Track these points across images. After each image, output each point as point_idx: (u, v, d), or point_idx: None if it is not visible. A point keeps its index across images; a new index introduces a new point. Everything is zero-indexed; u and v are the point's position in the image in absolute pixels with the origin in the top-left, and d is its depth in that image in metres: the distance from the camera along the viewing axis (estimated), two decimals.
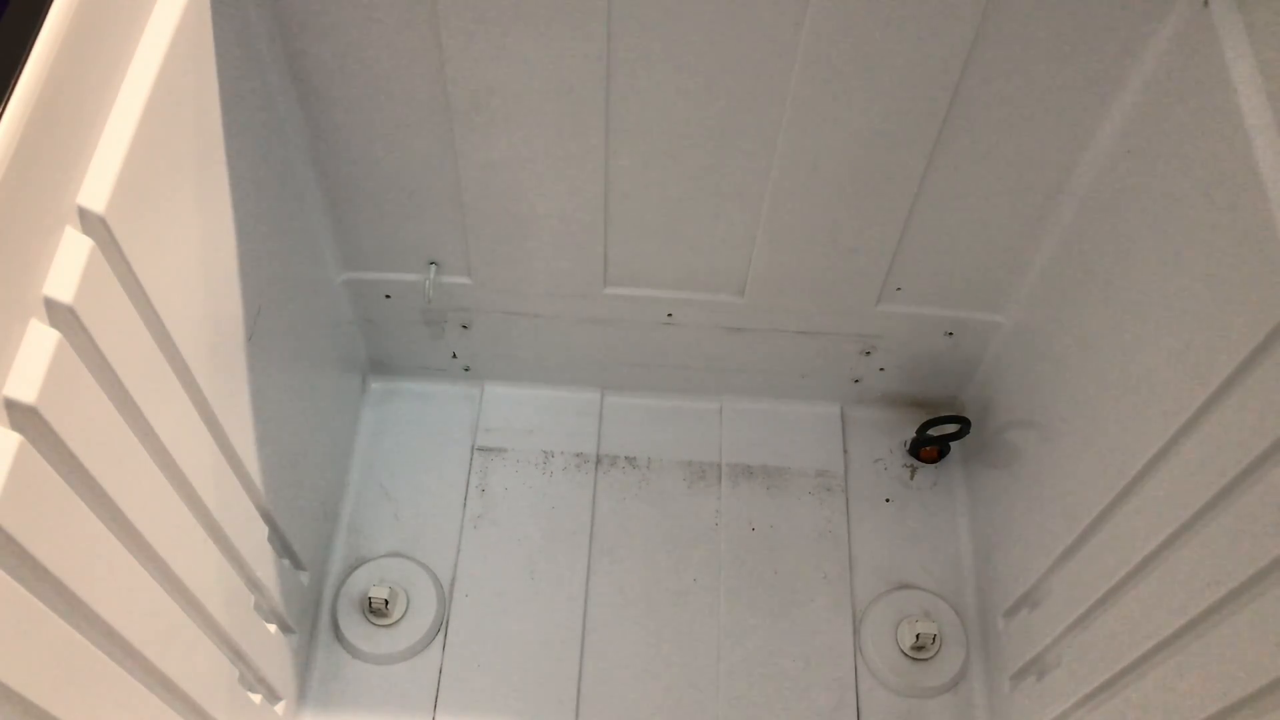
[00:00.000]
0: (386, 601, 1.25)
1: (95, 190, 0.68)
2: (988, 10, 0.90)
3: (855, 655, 1.29)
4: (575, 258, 1.20)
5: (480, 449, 1.40)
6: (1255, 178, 0.77)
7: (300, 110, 1.02)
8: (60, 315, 0.65)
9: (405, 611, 1.27)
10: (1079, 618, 1.02)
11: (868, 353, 1.34)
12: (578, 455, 1.40)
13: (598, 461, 1.40)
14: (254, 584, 1.03)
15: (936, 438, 1.37)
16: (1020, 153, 1.04)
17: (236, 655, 1.00)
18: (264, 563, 1.04)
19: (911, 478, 1.41)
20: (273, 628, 1.11)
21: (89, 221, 0.68)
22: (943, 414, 1.36)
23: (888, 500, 1.40)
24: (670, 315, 1.30)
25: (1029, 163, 1.05)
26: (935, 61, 0.94)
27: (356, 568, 1.30)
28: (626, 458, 1.41)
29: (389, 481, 1.38)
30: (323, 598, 1.29)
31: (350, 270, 1.25)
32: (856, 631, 1.30)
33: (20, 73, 0.61)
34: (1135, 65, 0.93)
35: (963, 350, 1.32)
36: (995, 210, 1.11)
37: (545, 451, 1.41)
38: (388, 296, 1.29)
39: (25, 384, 0.62)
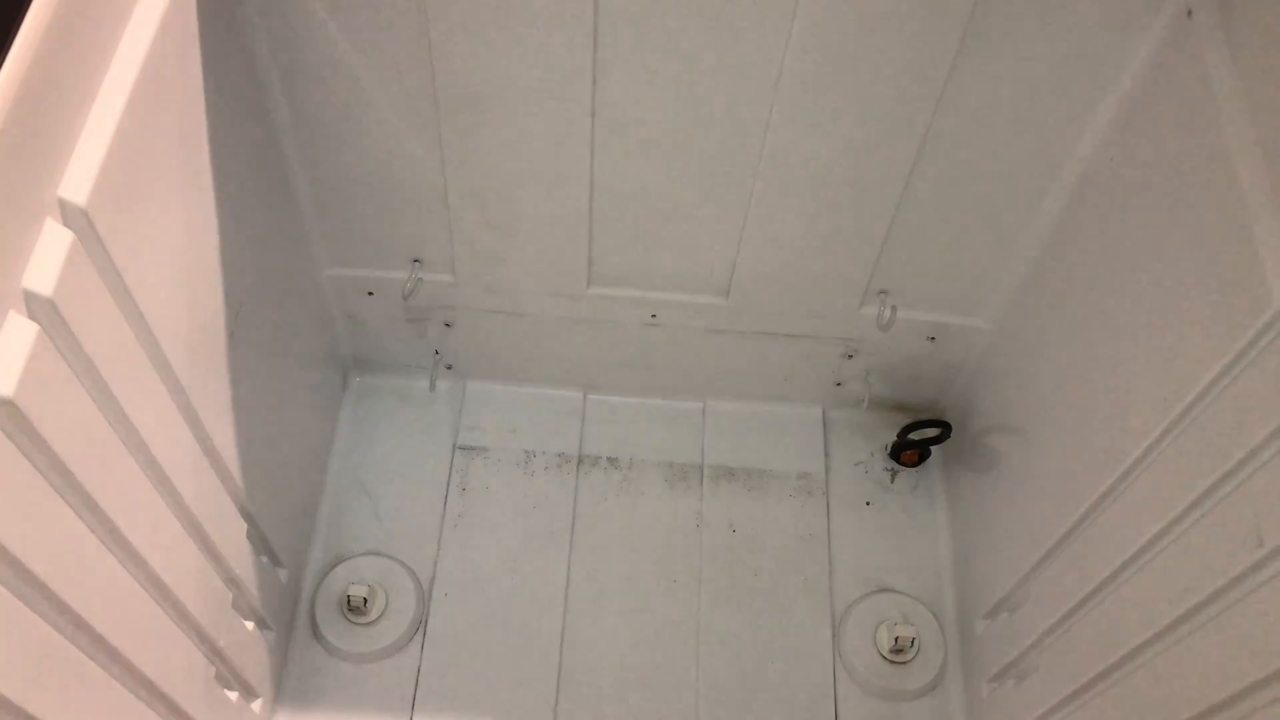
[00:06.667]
0: (365, 600, 1.24)
1: (77, 182, 0.67)
2: (973, 17, 0.90)
3: (834, 658, 1.29)
4: (560, 257, 1.20)
5: (461, 448, 1.40)
6: (1234, 188, 0.77)
7: (287, 105, 1.02)
8: (39, 308, 0.65)
9: (384, 610, 1.27)
10: (1057, 621, 1.03)
11: (850, 356, 1.35)
12: (559, 455, 1.40)
13: (579, 461, 1.40)
14: (232, 581, 1.02)
15: (917, 441, 1.38)
16: (1004, 160, 1.04)
17: (213, 652, 0.99)
18: (242, 559, 1.04)
19: (892, 481, 1.42)
20: (250, 625, 1.11)
21: (70, 214, 0.67)
22: (924, 418, 1.36)
23: (868, 503, 1.40)
24: (654, 316, 1.30)
25: (1012, 169, 1.05)
26: (921, 67, 0.95)
27: (335, 565, 1.30)
28: (608, 458, 1.41)
29: (369, 479, 1.37)
30: (301, 595, 1.28)
31: (334, 266, 1.24)
32: (835, 634, 1.30)
33: (2, 62, 0.60)
34: (1119, 73, 0.94)
35: (944, 355, 1.32)
36: (978, 216, 1.11)
37: (527, 451, 1.40)
38: (370, 293, 1.28)
39: (3, 377, 0.61)
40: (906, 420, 1.38)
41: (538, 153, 1.06)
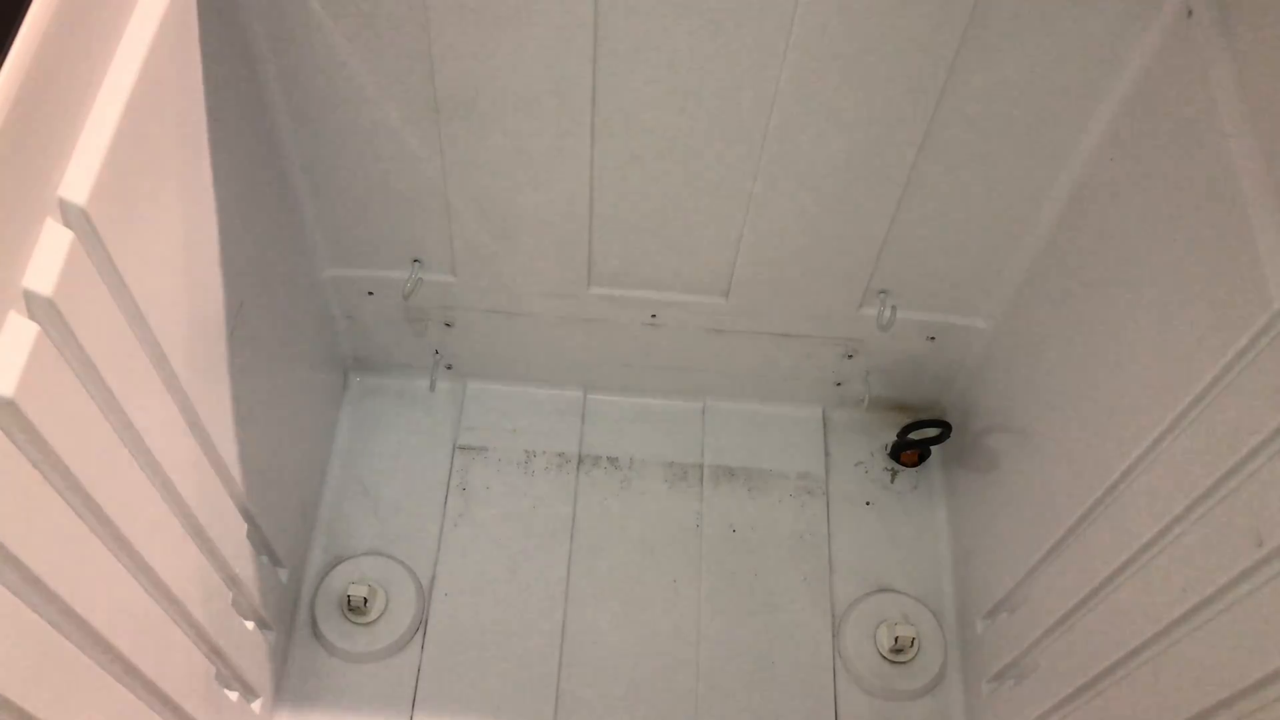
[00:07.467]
0: (365, 599, 1.24)
1: (77, 182, 0.67)
2: (973, 18, 0.90)
3: (834, 658, 1.29)
4: (560, 257, 1.20)
5: (462, 447, 1.40)
6: (1234, 190, 0.77)
7: (286, 104, 1.02)
8: (40, 308, 0.65)
9: (384, 610, 1.27)
10: (1057, 621, 1.03)
11: (850, 356, 1.35)
12: (559, 455, 1.40)
13: (579, 461, 1.40)
14: (232, 580, 1.02)
15: (917, 441, 1.37)
16: (1003, 160, 1.04)
17: (214, 652, 0.99)
18: (242, 559, 1.04)
19: (892, 481, 1.42)
20: (250, 625, 1.11)
21: (70, 213, 0.67)
22: (924, 418, 1.36)
23: (868, 503, 1.40)
24: (654, 316, 1.30)
25: (1012, 170, 1.05)
26: (920, 67, 0.95)
27: (335, 565, 1.30)
28: (608, 458, 1.41)
29: (369, 479, 1.37)
30: (301, 595, 1.28)
31: (334, 266, 1.24)
32: (835, 634, 1.30)
33: (2, 62, 0.60)
34: (1119, 74, 0.94)
35: (944, 354, 1.32)
36: (978, 216, 1.11)
37: (527, 451, 1.40)
38: (370, 293, 1.28)
39: (3, 377, 0.61)
40: (906, 420, 1.38)
41: (538, 152, 1.06)
